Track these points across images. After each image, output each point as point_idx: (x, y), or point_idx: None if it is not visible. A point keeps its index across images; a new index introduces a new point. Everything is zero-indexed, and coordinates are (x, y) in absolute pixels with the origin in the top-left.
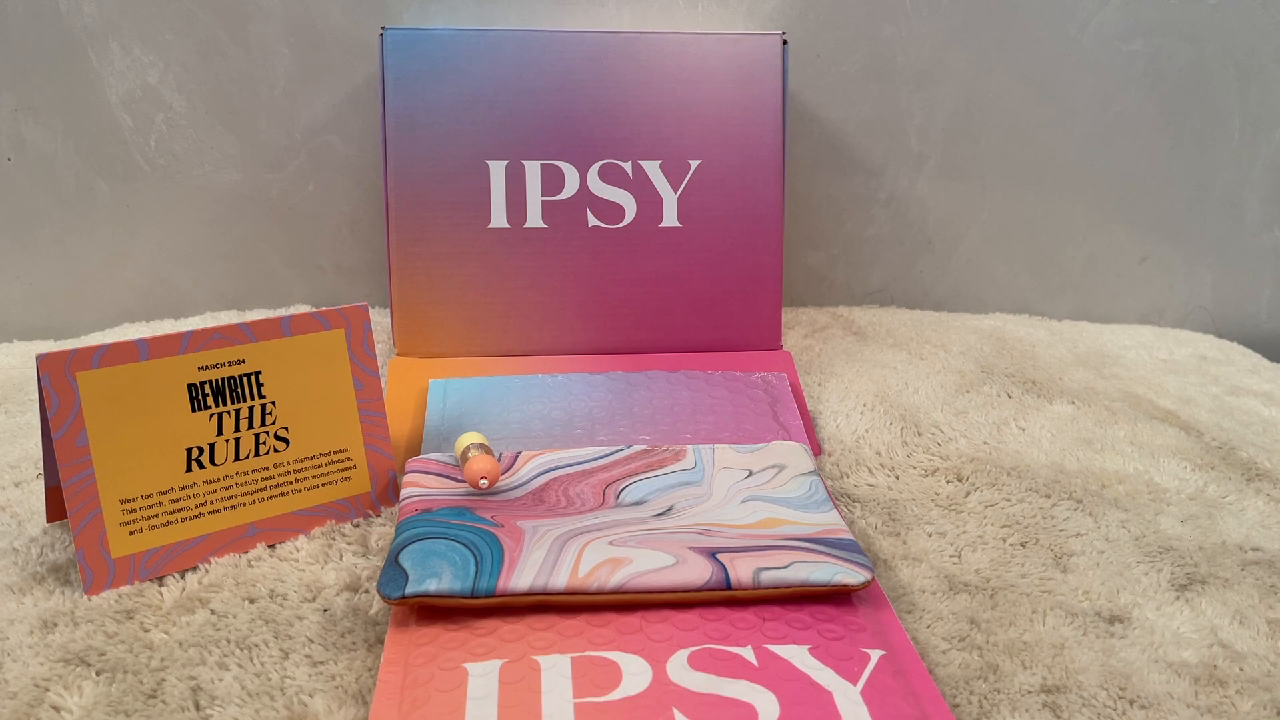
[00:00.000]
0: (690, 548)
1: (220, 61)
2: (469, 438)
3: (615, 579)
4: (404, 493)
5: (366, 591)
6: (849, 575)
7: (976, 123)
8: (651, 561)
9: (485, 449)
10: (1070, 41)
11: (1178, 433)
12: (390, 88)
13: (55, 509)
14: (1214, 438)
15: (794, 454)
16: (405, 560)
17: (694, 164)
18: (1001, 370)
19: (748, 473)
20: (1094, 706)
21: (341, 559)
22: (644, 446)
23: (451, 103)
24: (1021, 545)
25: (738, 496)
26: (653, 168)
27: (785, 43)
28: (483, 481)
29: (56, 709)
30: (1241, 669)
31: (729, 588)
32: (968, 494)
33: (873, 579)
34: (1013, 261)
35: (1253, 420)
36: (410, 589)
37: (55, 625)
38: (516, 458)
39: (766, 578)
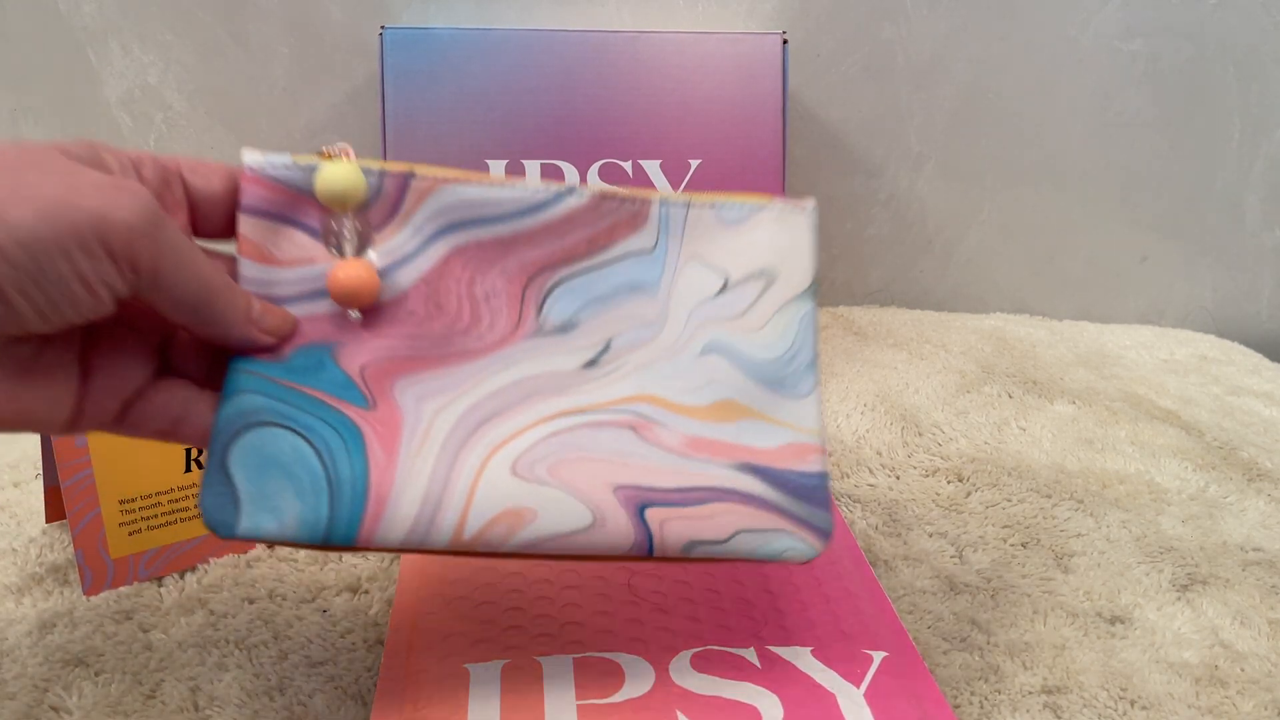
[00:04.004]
0: (616, 489)
1: (220, 61)
2: (338, 176)
3: (516, 540)
4: (243, 270)
5: (366, 592)
6: (798, 548)
7: (977, 122)
8: (561, 519)
9: (354, 204)
10: (1070, 41)
11: (1179, 433)
12: (390, 87)
13: (54, 509)
14: (1215, 438)
15: (792, 251)
16: (237, 467)
17: (694, 164)
18: (1002, 370)
19: (722, 283)
20: (1095, 707)
21: (340, 559)
22: (593, 194)
23: (451, 102)
24: (1022, 546)
25: (698, 337)
26: (653, 167)
27: (786, 42)
28: (353, 314)
29: (56, 710)
30: (1243, 669)
31: (651, 555)
32: (968, 494)
33: (825, 548)
34: (1013, 261)
35: (1254, 420)
36: (244, 526)
37: (54, 626)
38: (407, 184)
39: (700, 552)
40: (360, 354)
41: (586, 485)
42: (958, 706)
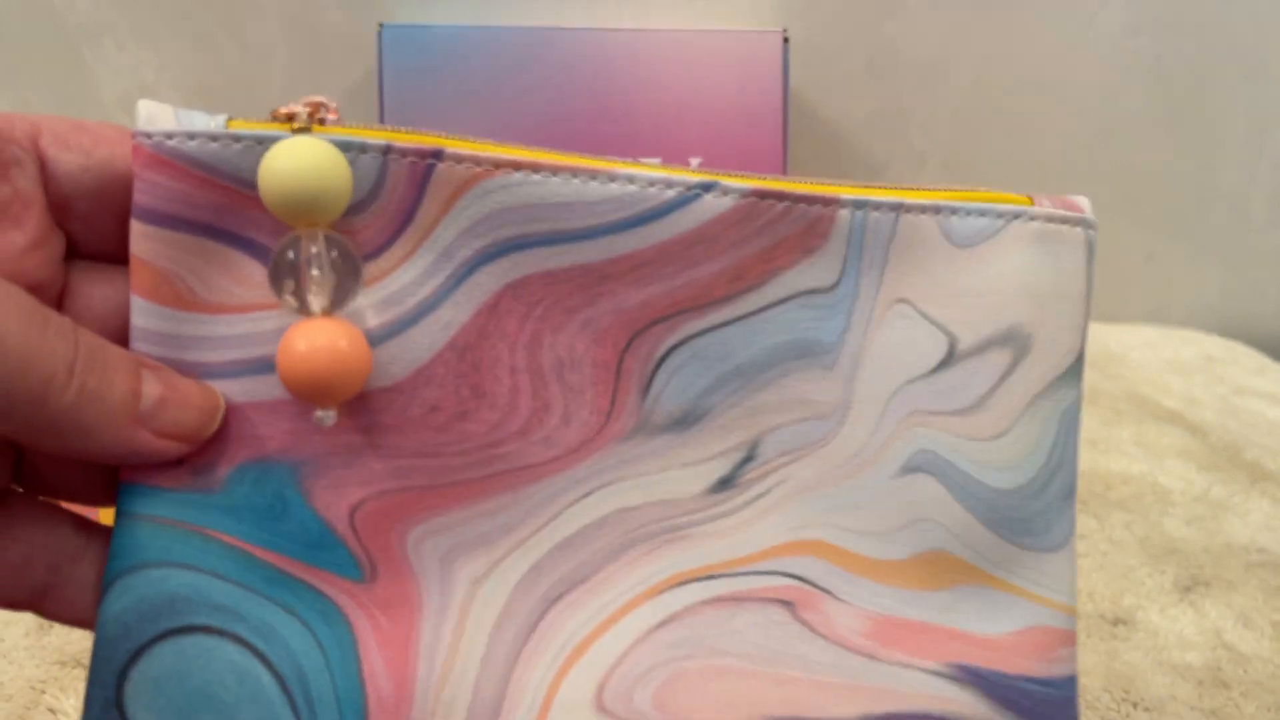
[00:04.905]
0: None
1: (216, 59)
2: (298, 164)
3: None
4: (136, 318)
5: None
6: None
7: (979, 120)
8: None
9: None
10: (1074, 38)
11: (1183, 434)
12: (387, 84)
13: None
14: (1219, 439)
15: (1057, 298)
16: (142, 713)
17: (694, 162)
18: None
19: (945, 350)
20: (1097, 710)
21: None
22: (746, 192)
23: (449, 100)
24: None
25: (899, 444)
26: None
27: (787, 39)
28: (323, 415)
29: (52, 711)
30: (1246, 671)
31: None
32: None
33: None
34: None
35: (1258, 421)
36: None
37: (51, 627)
38: (430, 172)
39: None
40: (349, 483)
41: (715, 703)
42: None
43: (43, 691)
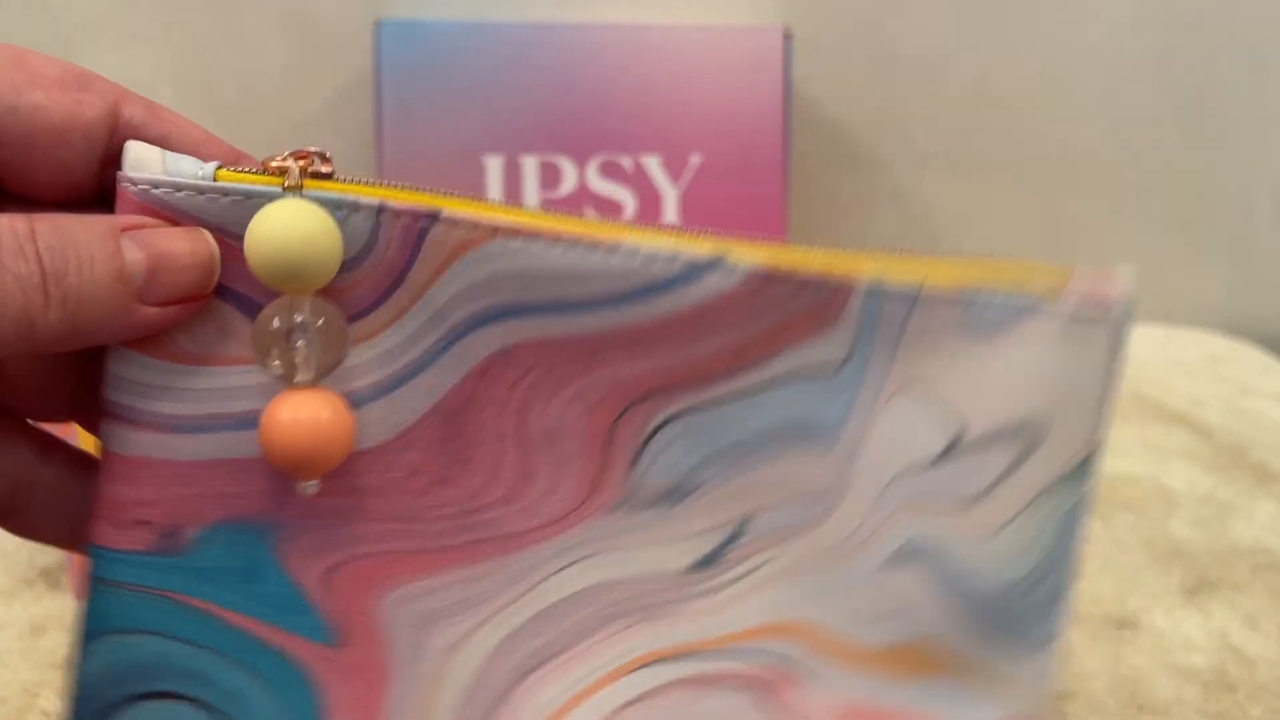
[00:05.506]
0: None
1: (212, 55)
2: (285, 234)
3: None
4: (115, 366)
5: None
6: None
7: (983, 118)
8: None
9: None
10: (1078, 35)
11: (1188, 434)
12: (385, 81)
13: None
14: (1225, 439)
15: (1076, 394)
16: None
17: (695, 160)
18: None
19: (949, 439)
20: (1103, 713)
21: None
22: (753, 271)
23: (447, 96)
24: None
25: (891, 530)
26: (652, 163)
27: (789, 36)
28: (305, 486)
29: (46, 714)
30: (1252, 674)
31: None
32: None
33: None
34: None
35: (1264, 421)
36: None
37: (45, 630)
38: (425, 235)
39: None
40: (324, 546)
41: None
42: None
43: (36, 695)
